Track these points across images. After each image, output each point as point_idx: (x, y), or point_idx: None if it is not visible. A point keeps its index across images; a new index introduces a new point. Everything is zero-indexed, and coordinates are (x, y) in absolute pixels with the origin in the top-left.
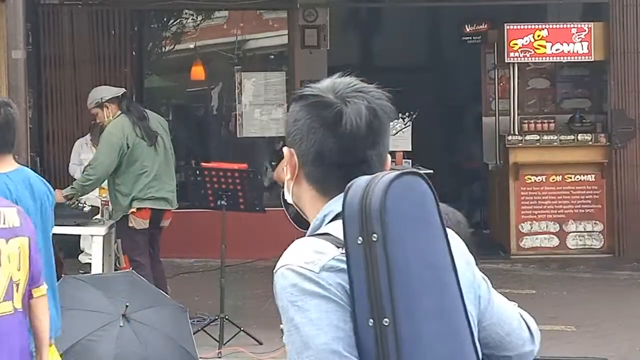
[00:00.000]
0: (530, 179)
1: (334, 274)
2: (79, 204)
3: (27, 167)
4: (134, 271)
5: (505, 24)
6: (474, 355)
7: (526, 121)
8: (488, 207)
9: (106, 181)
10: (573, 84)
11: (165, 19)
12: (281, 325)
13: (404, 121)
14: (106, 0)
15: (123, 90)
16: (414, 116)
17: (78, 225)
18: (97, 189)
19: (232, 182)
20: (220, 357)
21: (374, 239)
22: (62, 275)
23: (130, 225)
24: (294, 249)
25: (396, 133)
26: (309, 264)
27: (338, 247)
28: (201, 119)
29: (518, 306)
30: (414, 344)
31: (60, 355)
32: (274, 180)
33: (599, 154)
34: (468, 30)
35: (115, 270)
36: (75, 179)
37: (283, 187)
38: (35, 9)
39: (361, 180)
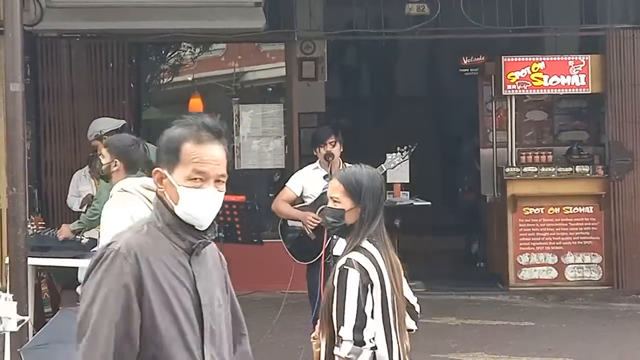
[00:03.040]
0: (528, 210)
1: None
2: (77, 236)
3: (26, 199)
4: None
5: (503, 56)
6: None
7: (524, 153)
8: (486, 238)
9: None
10: (570, 116)
11: (163, 52)
12: None
13: (402, 155)
14: (104, 32)
15: (123, 122)
16: (412, 150)
17: (76, 257)
18: None
19: (230, 214)
20: None
21: None
22: (60, 307)
23: None
24: None
25: (395, 167)
26: None
27: None
28: None
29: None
30: None
31: None
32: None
33: (596, 185)
34: (465, 62)
35: None
36: (73, 211)
37: (281, 219)
38: (33, 42)
39: None
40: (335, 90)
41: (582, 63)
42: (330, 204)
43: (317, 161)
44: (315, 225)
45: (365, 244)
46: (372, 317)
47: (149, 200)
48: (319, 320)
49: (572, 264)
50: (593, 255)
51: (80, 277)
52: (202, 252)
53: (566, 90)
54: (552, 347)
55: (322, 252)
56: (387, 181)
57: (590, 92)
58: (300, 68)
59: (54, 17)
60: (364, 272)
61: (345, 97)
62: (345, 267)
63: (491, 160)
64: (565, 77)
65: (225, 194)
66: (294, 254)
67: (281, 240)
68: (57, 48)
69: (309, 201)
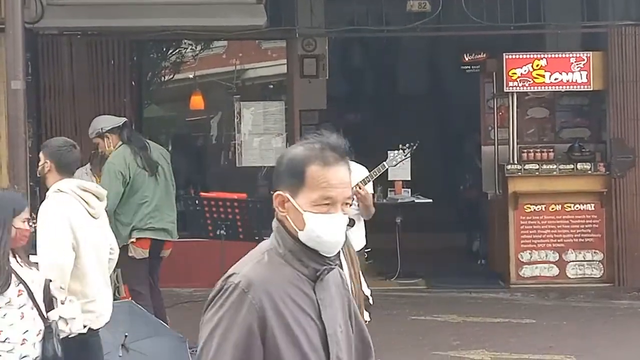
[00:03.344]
0: (530, 208)
1: None
2: None
3: (27, 197)
4: (133, 301)
5: (504, 54)
6: None
7: (525, 150)
8: (487, 236)
9: None
10: (572, 113)
11: (164, 49)
12: None
13: (404, 152)
14: (105, 30)
15: (124, 119)
16: (414, 147)
17: None
18: None
19: (232, 211)
20: None
21: None
22: None
23: (130, 255)
24: None
25: (397, 164)
26: None
27: None
28: (200, 149)
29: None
30: None
31: None
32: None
33: (598, 183)
34: (467, 59)
35: (115, 299)
36: None
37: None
38: (34, 39)
39: None
40: (336, 87)
41: (583, 60)
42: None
43: None
44: None
45: None
46: None
47: (85, 202)
48: None
49: (573, 261)
50: (594, 252)
51: None
52: (325, 278)
53: (568, 87)
54: (553, 344)
55: None
56: (389, 179)
57: (591, 89)
58: (302, 65)
59: (55, 14)
60: None
61: (347, 95)
62: None
63: (492, 158)
64: (567, 74)
65: (227, 191)
66: None
67: None
68: (58, 45)
69: None
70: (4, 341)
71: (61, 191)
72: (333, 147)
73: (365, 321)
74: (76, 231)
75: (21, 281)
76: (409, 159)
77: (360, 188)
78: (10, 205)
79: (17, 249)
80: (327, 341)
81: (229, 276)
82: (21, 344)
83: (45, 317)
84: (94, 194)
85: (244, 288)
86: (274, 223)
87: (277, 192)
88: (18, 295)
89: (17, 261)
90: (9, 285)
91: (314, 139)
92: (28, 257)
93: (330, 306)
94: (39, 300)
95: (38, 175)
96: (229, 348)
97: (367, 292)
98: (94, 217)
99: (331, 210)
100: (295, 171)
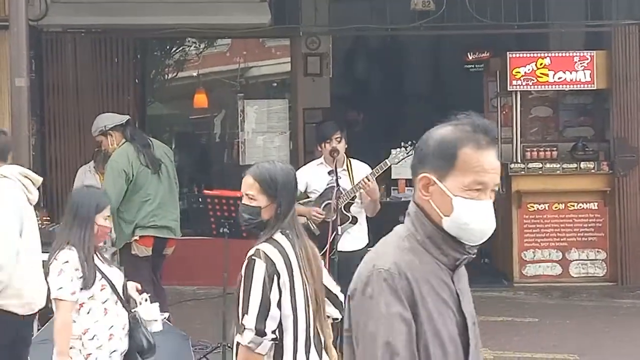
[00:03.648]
0: (533, 207)
1: None
2: None
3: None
4: None
5: (508, 52)
6: None
7: (529, 149)
8: (490, 234)
9: None
10: (575, 112)
11: (168, 47)
12: None
13: (406, 150)
14: (109, 28)
15: (127, 117)
16: (417, 145)
17: None
18: None
19: (235, 209)
20: None
21: None
22: None
23: (133, 252)
24: None
25: (398, 162)
26: None
27: None
28: (204, 146)
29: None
30: None
31: None
32: None
33: (601, 182)
34: (470, 58)
35: None
36: None
37: None
38: (38, 37)
39: None
40: (340, 86)
41: (587, 59)
42: (246, 201)
43: (322, 157)
44: (321, 219)
45: (277, 235)
46: (278, 307)
47: (25, 188)
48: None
49: (576, 260)
50: (597, 251)
51: None
52: (460, 268)
53: (571, 86)
54: (556, 343)
55: (327, 247)
56: (392, 177)
57: (595, 88)
58: (306, 63)
59: (59, 12)
60: (270, 263)
61: (350, 93)
62: (253, 257)
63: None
64: (571, 73)
65: (230, 189)
66: None
67: None
68: (62, 43)
69: (313, 197)
70: (92, 338)
71: (5, 177)
72: (485, 130)
73: (335, 319)
74: (22, 216)
75: (103, 276)
76: (412, 156)
77: (369, 180)
78: (94, 201)
79: (96, 245)
80: (467, 334)
81: (374, 264)
82: (109, 340)
83: (129, 310)
84: (32, 181)
85: (395, 273)
86: (411, 207)
87: (423, 174)
88: (101, 290)
89: (98, 257)
90: (95, 280)
91: (464, 120)
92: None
93: (466, 297)
94: (121, 295)
95: None
96: (396, 335)
97: (336, 289)
98: (30, 204)
99: (481, 196)
100: (445, 153)
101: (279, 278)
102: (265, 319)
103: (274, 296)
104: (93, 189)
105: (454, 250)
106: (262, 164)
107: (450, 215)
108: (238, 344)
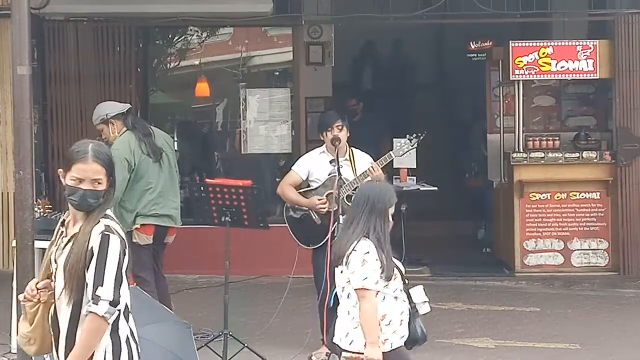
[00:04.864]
0: (535, 196)
1: None
2: None
3: (33, 182)
4: (137, 287)
5: (510, 41)
6: None
7: (531, 139)
8: (492, 224)
9: None
10: (578, 102)
11: (170, 36)
12: None
13: (410, 142)
14: (111, 16)
15: (128, 106)
16: (422, 137)
17: None
18: None
19: (237, 198)
20: None
21: None
22: None
23: (134, 241)
24: None
25: (403, 154)
26: None
27: None
28: (206, 135)
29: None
30: None
31: None
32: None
33: (604, 171)
34: (473, 47)
35: None
36: None
37: (286, 203)
38: (40, 25)
39: None
40: (342, 75)
41: (590, 48)
42: (90, 186)
43: (324, 145)
44: (326, 210)
45: (108, 211)
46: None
47: None
48: (64, 286)
49: (578, 249)
50: (599, 241)
51: None
52: None
53: (574, 75)
54: (558, 332)
55: (329, 235)
56: (394, 166)
57: (598, 77)
58: (308, 52)
59: (61, 0)
60: (122, 239)
61: (353, 82)
62: (106, 233)
63: (498, 146)
64: (573, 62)
65: (232, 178)
66: (300, 238)
67: (287, 224)
68: (64, 32)
69: (314, 185)
70: (388, 324)
71: None
72: None
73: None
74: None
75: (395, 265)
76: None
77: (374, 169)
78: (388, 196)
79: None
80: None
81: None
82: (400, 325)
83: (410, 298)
84: None
85: None
86: None
87: None
88: (394, 279)
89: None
90: (394, 270)
91: None
92: None
93: None
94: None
95: None
96: None
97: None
98: None
99: None
100: None
101: (126, 253)
102: (120, 291)
103: (124, 269)
104: (388, 185)
105: None
106: (99, 146)
107: None
108: (87, 314)
